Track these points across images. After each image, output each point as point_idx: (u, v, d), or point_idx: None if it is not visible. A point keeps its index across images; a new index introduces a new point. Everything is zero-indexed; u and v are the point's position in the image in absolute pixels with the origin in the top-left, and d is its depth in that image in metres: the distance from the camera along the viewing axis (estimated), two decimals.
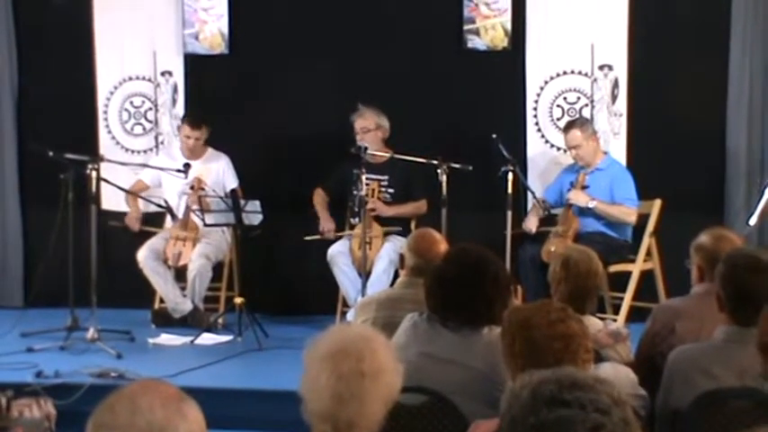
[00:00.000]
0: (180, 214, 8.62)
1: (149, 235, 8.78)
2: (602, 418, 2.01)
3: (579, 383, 2.06)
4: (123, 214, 8.91)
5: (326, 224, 8.71)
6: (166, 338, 8.20)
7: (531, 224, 8.34)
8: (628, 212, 8.23)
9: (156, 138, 9.42)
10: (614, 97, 8.77)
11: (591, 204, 8.16)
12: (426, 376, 4.17)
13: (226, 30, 9.23)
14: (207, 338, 8.11)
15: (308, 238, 8.57)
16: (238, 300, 8.17)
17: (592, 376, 2.13)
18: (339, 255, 8.45)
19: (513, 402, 2.09)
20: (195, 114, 8.93)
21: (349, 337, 3.15)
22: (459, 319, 4.38)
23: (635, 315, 7.85)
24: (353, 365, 3.03)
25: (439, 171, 7.99)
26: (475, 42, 8.95)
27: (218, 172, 8.82)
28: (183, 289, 8.63)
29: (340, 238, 8.61)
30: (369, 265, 8.17)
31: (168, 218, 8.76)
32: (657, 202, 8.30)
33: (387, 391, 3.09)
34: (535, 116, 8.91)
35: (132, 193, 8.80)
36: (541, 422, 2.01)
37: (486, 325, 4.35)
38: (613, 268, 7.88)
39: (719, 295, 4.37)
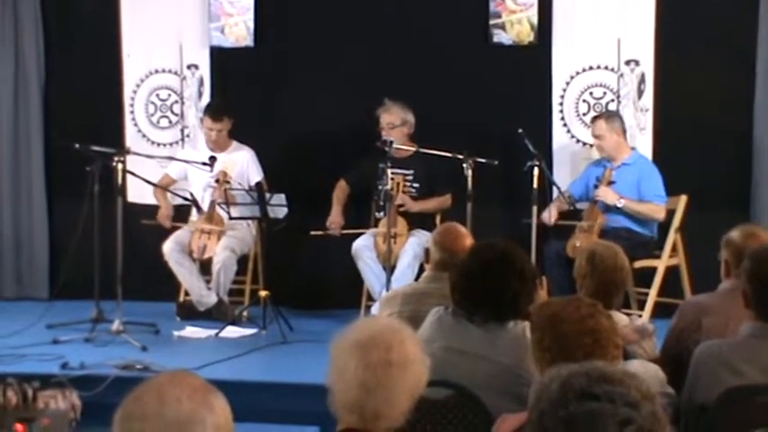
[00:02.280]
0: (205, 207, 8.63)
1: (175, 228, 8.79)
2: (631, 413, 2.00)
3: (608, 377, 2.06)
4: (149, 207, 8.94)
5: (335, 219, 8.69)
6: (191, 331, 8.21)
7: (549, 216, 8.30)
8: (656, 210, 8.20)
9: (182, 131, 9.45)
10: (640, 92, 8.75)
11: (620, 203, 8.13)
12: (451, 370, 4.17)
13: (251, 23, 9.24)
14: (231, 331, 8.12)
15: (313, 233, 8.55)
16: (263, 293, 8.17)
17: (621, 370, 2.12)
18: (364, 249, 8.44)
19: (542, 396, 2.08)
20: (216, 106, 8.94)
21: (377, 328, 3.15)
22: (484, 314, 4.37)
23: (660, 311, 7.83)
24: (382, 355, 3.03)
25: (464, 165, 7.98)
26: (501, 37, 8.93)
27: (243, 164, 8.83)
28: (207, 282, 8.65)
29: (345, 235, 8.58)
30: (393, 260, 8.17)
31: (194, 211, 8.76)
32: (683, 198, 8.26)
33: (414, 382, 3.09)
34: (561, 111, 8.89)
35: (161, 188, 8.82)
36: (571, 415, 2.01)
37: (512, 319, 4.35)
38: (639, 264, 7.83)
39: (745, 291, 4.35)
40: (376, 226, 8.58)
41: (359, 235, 8.55)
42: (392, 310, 5.30)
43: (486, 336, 4.33)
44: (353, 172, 8.82)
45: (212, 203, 8.63)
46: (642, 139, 8.70)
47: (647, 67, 8.71)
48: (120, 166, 7.95)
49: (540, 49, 8.87)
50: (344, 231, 8.63)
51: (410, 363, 3.08)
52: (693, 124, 8.67)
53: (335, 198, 8.82)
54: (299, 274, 9.17)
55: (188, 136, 9.41)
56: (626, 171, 8.27)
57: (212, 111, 8.85)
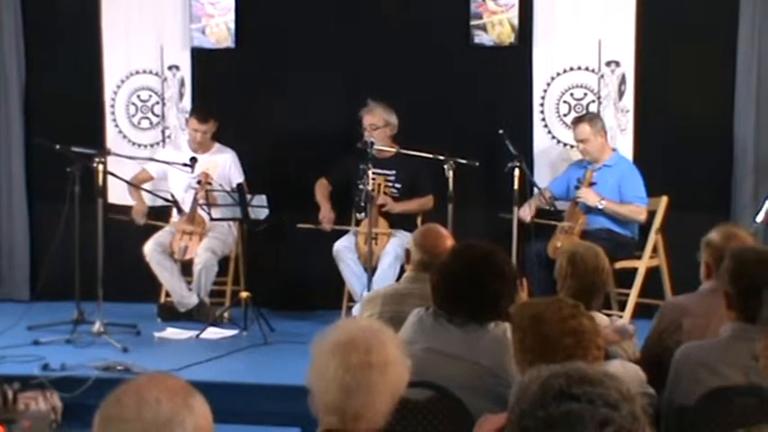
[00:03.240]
0: (186, 208, 8.62)
1: (156, 228, 8.78)
2: (610, 413, 2.01)
3: (588, 378, 2.06)
4: (129, 208, 8.91)
5: (327, 214, 8.69)
6: (172, 332, 8.19)
7: (525, 213, 8.31)
8: (638, 211, 8.22)
9: (163, 132, 9.43)
10: (621, 93, 8.76)
11: (600, 205, 8.14)
12: (432, 371, 4.16)
13: (232, 24, 9.23)
14: (212, 332, 8.11)
15: (300, 225, 8.52)
16: (244, 294, 8.17)
17: (601, 371, 2.12)
18: (345, 250, 8.44)
19: (521, 396, 2.09)
20: (203, 108, 8.94)
21: (357, 329, 3.16)
22: (465, 315, 4.38)
23: (641, 312, 7.86)
24: (362, 357, 3.03)
25: (445, 167, 7.98)
26: (482, 38, 8.94)
27: (225, 166, 8.82)
28: (188, 283, 8.64)
29: (336, 231, 8.58)
30: (374, 261, 8.17)
31: (174, 212, 8.75)
32: (664, 199, 8.29)
33: (394, 383, 3.09)
34: (542, 112, 8.90)
35: (136, 186, 8.81)
36: (550, 416, 2.01)
37: (493, 320, 4.35)
38: (619, 265, 7.85)
39: (727, 292, 4.36)
40: (357, 227, 8.58)
41: (355, 232, 8.55)
42: (373, 311, 5.30)
43: (466, 337, 4.33)
44: (334, 171, 8.81)
45: (194, 204, 8.61)
46: (623, 140, 8.71)
47: (628, 67, 8.72)
48: (100, 167, 7.93)
49: (520, 50, 8.88)
50: (335, 227, 8.62)
51: (390, 364, 3.08)
52: (674, 125, 8.69)
53: (321, 195, 8.81)
54: (281, 276, 9.15)
55: (169, 137, 9.39)
56: (607, 172, 8.28)
57: (199, 112, 8.86)
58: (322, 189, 8.84)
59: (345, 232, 8.58)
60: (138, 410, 2.23)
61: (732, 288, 4.33)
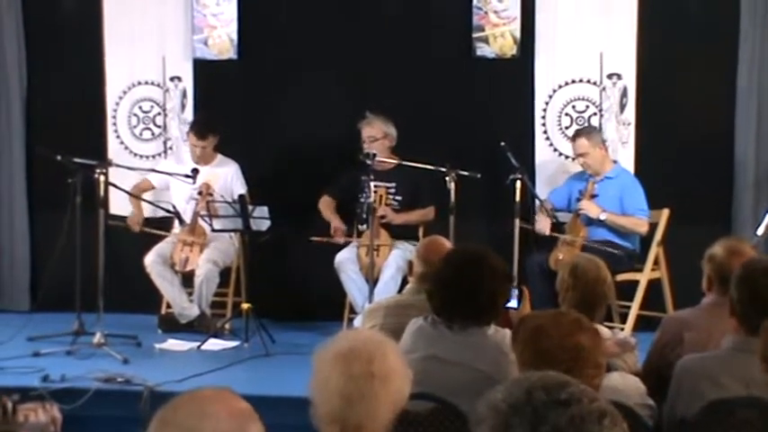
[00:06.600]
0: (188, 219, 8.61)
1: (157, 239, 8.78)
2: (598, 405, 2.01)
3: (557, 382, 2.06)
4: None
5: (339, 225, 8.66)
6: (173, 344, 8.18)
7: (545, 226, 8.30)
8: (639, 223, 8.22)
9: (165, 143, 9.42)
10: (623, 106, 8.76)
11: (602, 216, 8.14)
12: (431, 379, 4.16)
13: (235, 35, 9.23)
14: (213, 344, 8.09)
15: (314, 239, 8.52)
16: (245, 305, 8.14)
17: (554, 375, 2.12)
18: (346, 261, 8.43)
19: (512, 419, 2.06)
20: (201, 124, 8.90)
21: (360, 340, 3.16)
22: (463, 319, 4.41)
23: (642, 324, 7.84)
24: (364, 367, 3.03)
25: (447, 178, 7.98)
26: (484, 50, 8.94)
27: (227, 178, 8.82)
28: (189, 294, 8.63)
29: (349, 243, 8.58)
30: (376, 272, 8.16)
31: (176, 222, 8.74)
32: (665, 212, 8.28)
33: (396, 394, 3.09)
34: (543, 124, 8.90)
35: (136, 197, 8.81)
36: (556, 427, 1.99)
37: (492, 319, 4.38)
38: (621, 277, 7.83)
39: (731, 297, 4.36)
40: (359, 238, 8.57)
41: (357, 243, 8.54)
42: (375, 322, 5.30)
43: (465, 342, 4.36)
44: (335, 186, 8.81)
45: (195, 215, 8.61)
46: (624, 153, 8.72)
47: (630, 80, 8.73)
48: (101, 178, 7.92)
49: (522, 62, 8.88)
50: (347, 239, 8.61)
51: (392, 375, 3.08)
52: (675, 138, 8.70)
53: (329, 209, 8.79)
54: (282, 287, 9.14)
55: (170, 148, 9.39)
56: (608, 184, 8.29)
57: (197, 129, 8.83)
58: (328, 205, 8.83)
59: (347, 244, 8.58)
60: (198, 420, 2.24)
61: (736, 293, 4.34)
